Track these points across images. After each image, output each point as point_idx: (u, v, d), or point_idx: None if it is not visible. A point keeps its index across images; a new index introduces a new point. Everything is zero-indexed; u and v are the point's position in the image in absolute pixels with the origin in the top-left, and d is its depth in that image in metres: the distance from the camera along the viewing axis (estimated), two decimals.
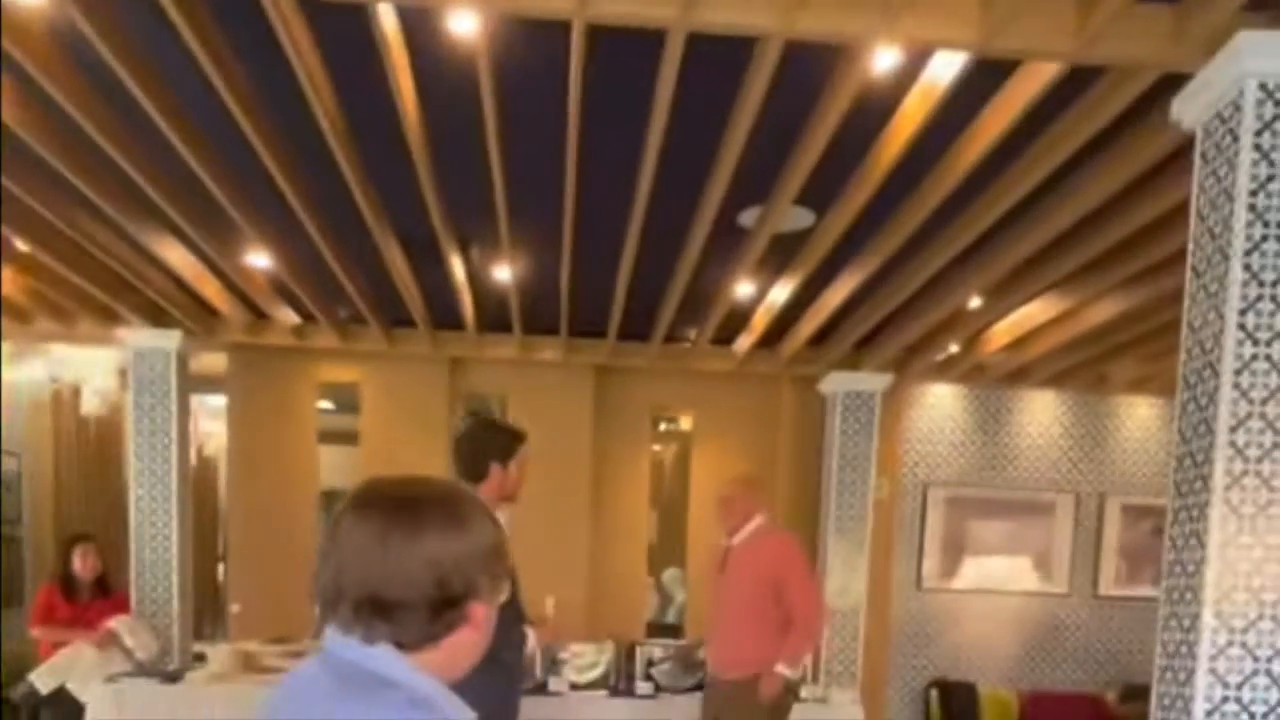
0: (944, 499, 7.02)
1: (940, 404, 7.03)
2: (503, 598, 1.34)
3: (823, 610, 4.78)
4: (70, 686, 5.43)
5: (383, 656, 1.25)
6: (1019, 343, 5.88)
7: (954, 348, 6.21)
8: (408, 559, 1.23)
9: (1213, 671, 2.54)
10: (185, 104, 3.48)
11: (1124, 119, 3.22)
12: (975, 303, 5.31)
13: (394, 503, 1.27)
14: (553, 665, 5.55)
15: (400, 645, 1.26)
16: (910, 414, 7.01)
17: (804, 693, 5.76)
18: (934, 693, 7.03)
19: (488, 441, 3.66)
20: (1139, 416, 7.07)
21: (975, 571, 7.06)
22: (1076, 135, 3.31)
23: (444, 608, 1.26)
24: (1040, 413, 7.05)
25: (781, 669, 4.58)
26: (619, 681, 5.55)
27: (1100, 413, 7.06)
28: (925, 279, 4.81)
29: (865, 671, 6.67)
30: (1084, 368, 6.41)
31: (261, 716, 1.35)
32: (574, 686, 5.49)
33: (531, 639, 3.81)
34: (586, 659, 5.61)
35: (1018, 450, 7.06)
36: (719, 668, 4.73)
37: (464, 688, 1.34)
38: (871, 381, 6.51)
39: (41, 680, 5.49)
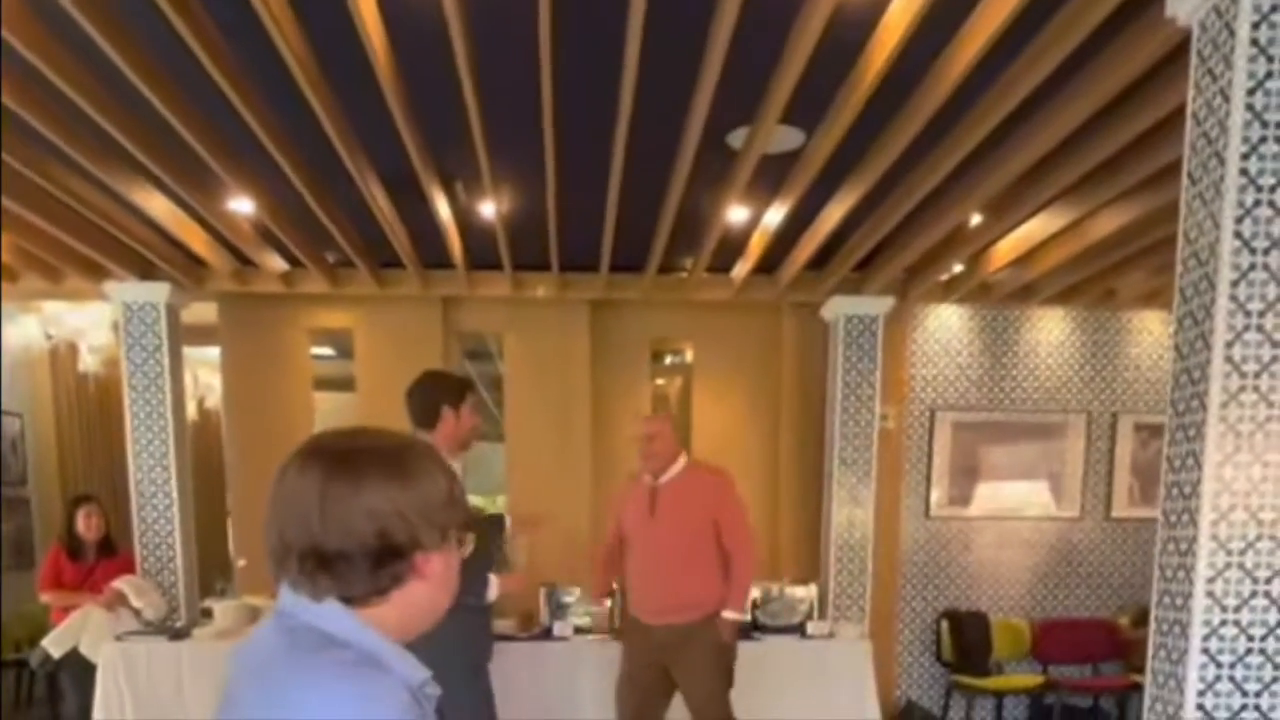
0: (952, 423, 6.91)
1: (945, 325, 6.88)
2: (466, 550, 1.32)
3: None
4: (82, 648, 5.48)
5: (331, 614, 1.24)
6: (1023, 259, 5.72)
7: (957, 267, 6.06)
8: (346, 510, 1.21)
9: (1210, 595, 2.45)
10: (153, 53, 3.39)
11: (1117, 18, 3.05)
12: (976, 219, 5.16)
13: (335, 454, 1.25)
14: (558, 610, 5.55)
15: (347, 600, 1.24)
16: (915, 337, 6.86)
17: (810, 629, 5.76)
18: (944, 624, 6.95)
19: (438, 388, 3.83)
20: (1151, 331, 6.90)
21: (989, 497, 6.95)
22: (1068, 39, 3.14)
23: (387, 559, 1.23)
24: (1049, 331, 6.89)
25: (731, 615, 4.50)
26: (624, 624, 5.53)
27: (1111, 328, 6.89)
28: (922, 196, 4.65)
29: (873, 605, 6.61)
30: (1092, 282, 6.25)
31: (229, 679, 1.33)
32: (579, 630, 5.49)
33: (493, 587, 3.84)
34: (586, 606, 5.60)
35: (1027, 370, 6.91)
36: (659, 615, 4.50)
37: (439, 635, 1.34)
38: (873, 305, 6.37)
39: (54, 644, 5.54)
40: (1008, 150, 4.15)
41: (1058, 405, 6.92)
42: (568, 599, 5.58)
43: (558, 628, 5.46)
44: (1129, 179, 4.36)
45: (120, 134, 3.89)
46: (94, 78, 3.54)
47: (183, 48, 3.19)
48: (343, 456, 1.24)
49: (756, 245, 5.63)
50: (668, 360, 8.47)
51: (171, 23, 3.04)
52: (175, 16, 3.00)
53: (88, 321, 7.29)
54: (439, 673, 1.32)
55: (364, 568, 1.23)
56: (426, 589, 1.28)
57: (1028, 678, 6.79)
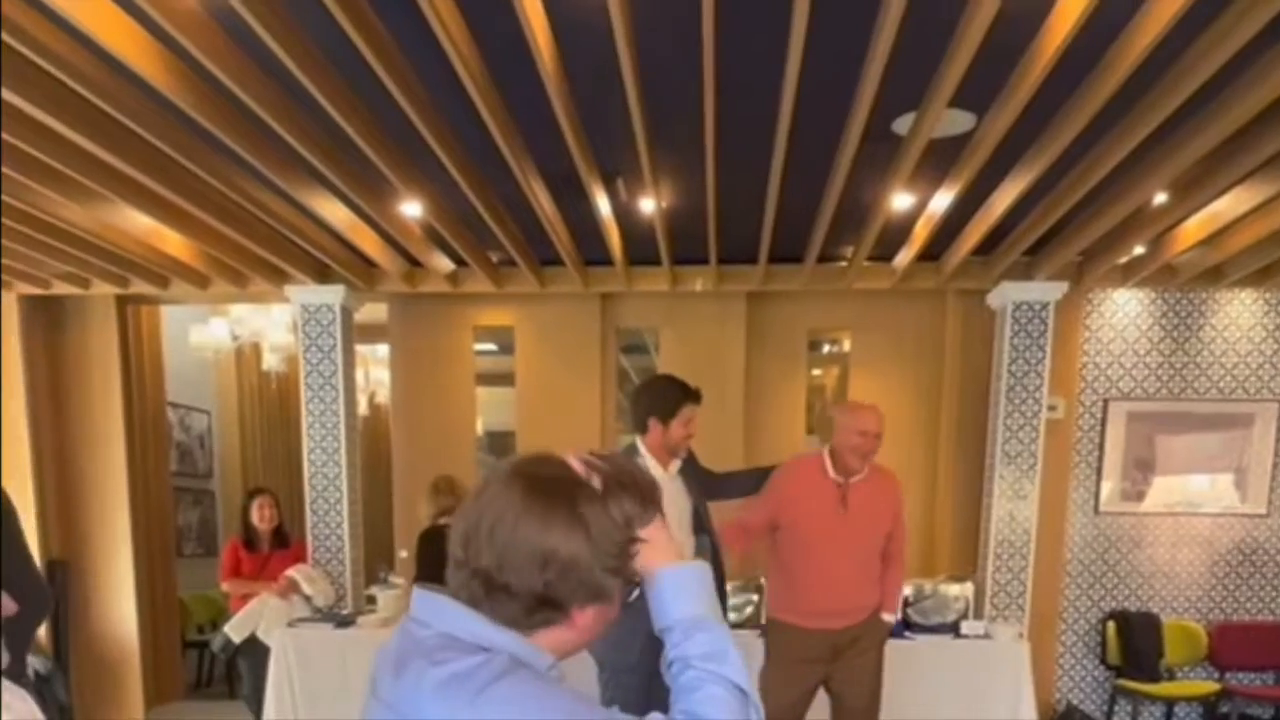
0: (1126, 413, 6.56)
1: (1122, 311, 6.52)
2: (630, 597, 1.34)
3: None
4: (259, 633, 5.80)
5: (477, 621, 1.29)
6: (1212, 239, 5.36)
7: (1138, 249, 5.74)
8: (528, 549, 1.25)
9: None
10: (331, 64, 3.52)
11: None
12: (1160, 199, 4.87)
13: (537, 483, 1.28)
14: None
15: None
16: (1088, 323, 6.53)
17: (965, 628, 5.58)
18: (1111, 625, 6.60)
19: (653, 399, 3.88)
20: None
21: (1165, 491, 6.57)
22: (1267, 5, 2.93)
23: (544, 607, 1.28)
24: (1237, 314, 6.44)
25: (891, 618, 4.56)
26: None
27: None
28: (1101, 177, 4.42)
29: (1034, 604, 6.37)
30: None
31: (372, 678, 1.40)
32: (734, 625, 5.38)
33: None
34: (735, 601, 5.50)
35: (1211, 357, 6.49)
36: (839, 617, 4.41)
37: None
38: (1044, 291, 6.11)
39: (235, 630, 5.88)
40: (1198, 125, 3.89)
41: (1245, 394, 6.49)
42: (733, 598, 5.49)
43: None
44: None
45: (301, 145, 4.05)
46: (277, 92, 3.69)
47: (359, 57, 3.28)
48: (543, 486, 1.27)
49: (921, 232, 5.48)
50: (825, 349, 8.35)
51: (348, 33, 3.12)
52: (351, 27, 3.08)
53: (270, 322, 7.67)
54: None
55: (521, 606, 1.27)
56: (570, 636, 1.32)
57: (1202, 684, 6.42)
